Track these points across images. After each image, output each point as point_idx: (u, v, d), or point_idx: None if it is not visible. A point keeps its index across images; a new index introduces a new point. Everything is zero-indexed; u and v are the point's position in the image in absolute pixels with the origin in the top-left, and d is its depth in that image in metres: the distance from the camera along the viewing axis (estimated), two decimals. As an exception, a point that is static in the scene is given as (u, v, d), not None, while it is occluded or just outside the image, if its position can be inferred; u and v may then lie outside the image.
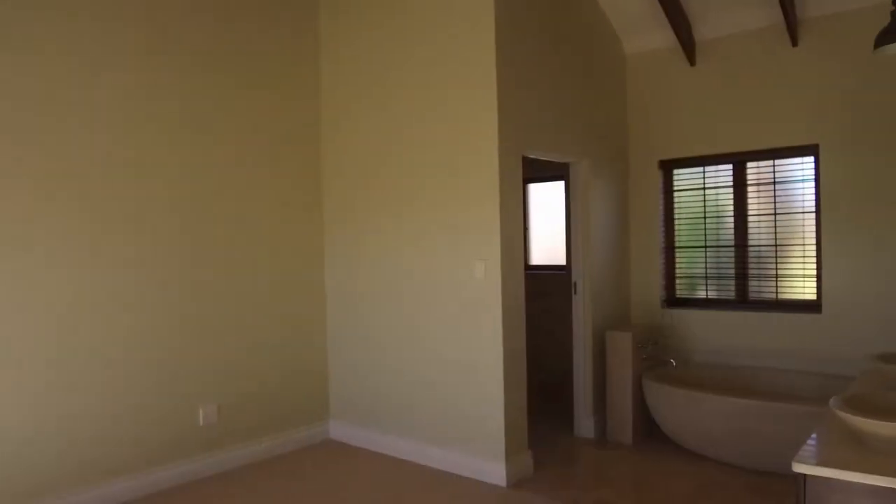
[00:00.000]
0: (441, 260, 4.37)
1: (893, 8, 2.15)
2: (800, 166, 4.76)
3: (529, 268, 6.50)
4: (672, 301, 5.38)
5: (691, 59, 5.08)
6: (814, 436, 2.21)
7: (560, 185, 6.28)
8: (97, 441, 3.83)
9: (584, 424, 5.00)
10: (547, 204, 6.58)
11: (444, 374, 4.37)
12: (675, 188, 5.38)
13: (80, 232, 3.78)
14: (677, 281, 5.41)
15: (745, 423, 4.10)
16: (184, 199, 4.25)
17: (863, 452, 1.99)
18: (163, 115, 4.14)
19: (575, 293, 5.03)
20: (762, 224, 4.95)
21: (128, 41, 3.98)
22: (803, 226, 4.75)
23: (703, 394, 4.34)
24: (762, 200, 4.96)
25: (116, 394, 3.92)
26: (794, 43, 4.60)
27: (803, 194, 4.75)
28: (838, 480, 1.89)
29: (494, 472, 4.08)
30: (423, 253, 4.48)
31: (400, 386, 4.65)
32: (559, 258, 6.35)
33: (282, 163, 4.84)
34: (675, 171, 5.37)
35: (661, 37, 5.16)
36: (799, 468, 1.95)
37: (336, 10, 4.98)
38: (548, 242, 6.61)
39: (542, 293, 6.17)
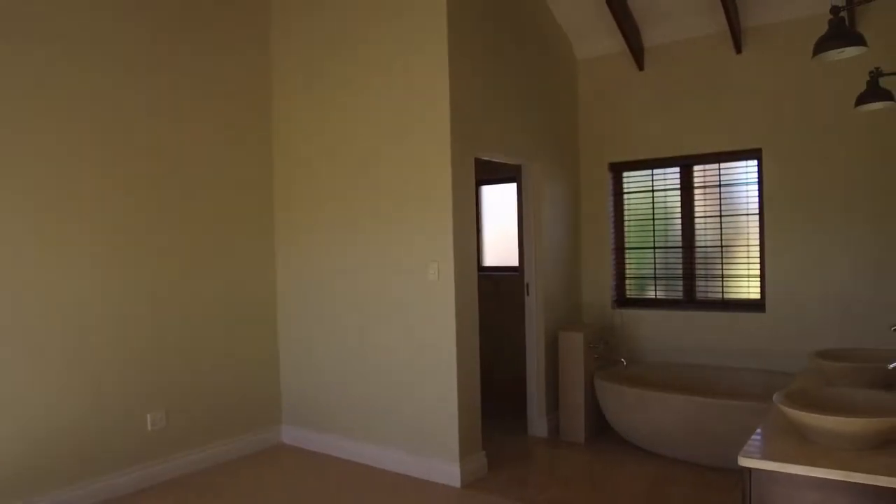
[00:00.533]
0: (395, 261, 4.35)
1: (832, 17, 2.24)
2: (744, 170, 4.90)
3: (483, 269, 6.53)
4: (622, 301, 5.48)
5: (640, 65, 5.18)
6: (759, 431, 2.27)
7: (512, 187, 6.32)
8: (41, 450, 3.69)
9: (538, 424, 5.04)
10: (500, 206, 6.62)
11: (397, 375, 4.35)
12: (625, 190, 5.48)
13: (22, 241, 3.65)
14: (627, 281, 5.51)
15: (693, 419, 4.20)
16: (128, 204, 4.13)
17: (804, 445, 2.05)
18: (106, 123, 4.01)
19: (527, 294, 5.07)
20: (708, 226, 5.08)
21: (79, 41, 3.86)
22: (747, 227, 4.90)
23: (653, 392, 4.43)
24: (708, 203, 5.09)
25: (61, 401, 3.79)
26: (738, 50, 4.74)
27: (747, 197, 4.89)
28: (782, 473, 1.95)
29: (448, 473, 4.08)
30: (376, 255, 4.46)
31: (353, 389, 4.61)
32: (512, 259, 6.39)
33: (232, 166, 4.75)
34: (625, 174, 5.47)
35: (611, 42, 5.25)
36: (745, 462, 2.00)
37: (287, 12, 4.91)
38: (501, 244, 6.64)
39: (496, 294, 6.21)
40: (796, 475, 1.91)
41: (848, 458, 1.92)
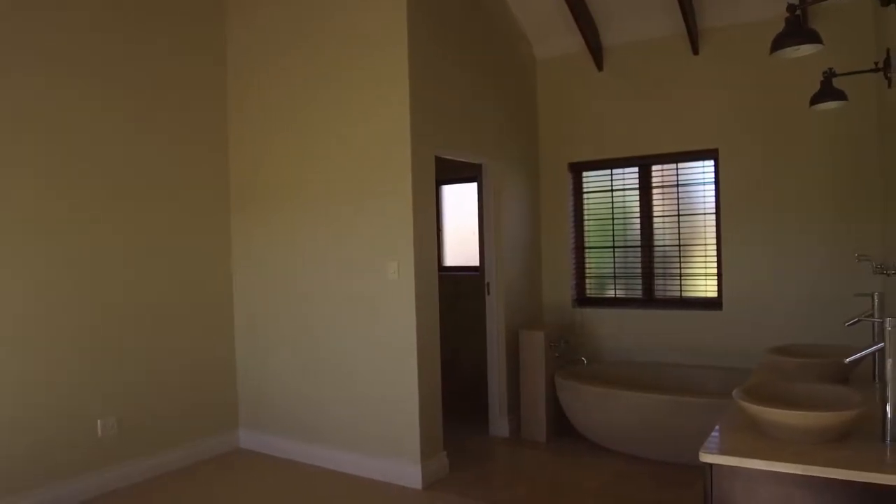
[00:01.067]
0: (354, 260, 4.28)
1: (788, 15, 2.26)
2: (701, 170, 4.96)
3: (444, 269, 6.49)
4: (582, 300, 5.49)
5: (599, 65, 5.21)
6: (718, 426, 2.27)
7: (473, 186, 6.30)
8: (-17, 459, 3.52)
9: (499, 424, 5.02)
10: (461, 205, 6.59)
11: (356, 377, 4.28)
12: (585, 190, 5.51)
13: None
14: (587, 280, 5.53)
15: (653, 417, 4.23)
16: (80, 207, 3.98)
17: (764, 440, 2.06)
18: (52, 124, 3.85)
19: (488, 294, 5.05)
20: (666, 225, 5.13)
21: (35, 49, 3.72)
22: (704, 227, 4.96)
23: (612, 390, 4.44)
24: (666, 202, 5.14)
25: (8, 407, 3.62)
26: (696, 51, 4.80)
27: (704, 197, 4.96)
28: (742, 468, 1.95)
29: (410, 474, 4.02)
30: (335, 254, 4.38)
31: (311, 391, 4.52)
32: (473, 259, 6.37)
33: (186, 165, 4.61)
34: (585, 174, 5.49)
35: (570, 42, 5.27)
36: (705, 458, 2.00)
37: (245, 7, 4.79)
38: (462, 244, 6.62)
39: (457, 294, 6.17)
40: (756, 470, 1.92)
41: (807, 451, 1.93)
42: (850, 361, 2.18)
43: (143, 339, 4.31)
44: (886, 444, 2.05)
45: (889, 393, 2.09)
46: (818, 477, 1.83)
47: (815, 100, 2.89)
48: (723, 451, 2.01)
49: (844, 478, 1.81)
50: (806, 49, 2.28)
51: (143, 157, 4.33)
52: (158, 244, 4.42)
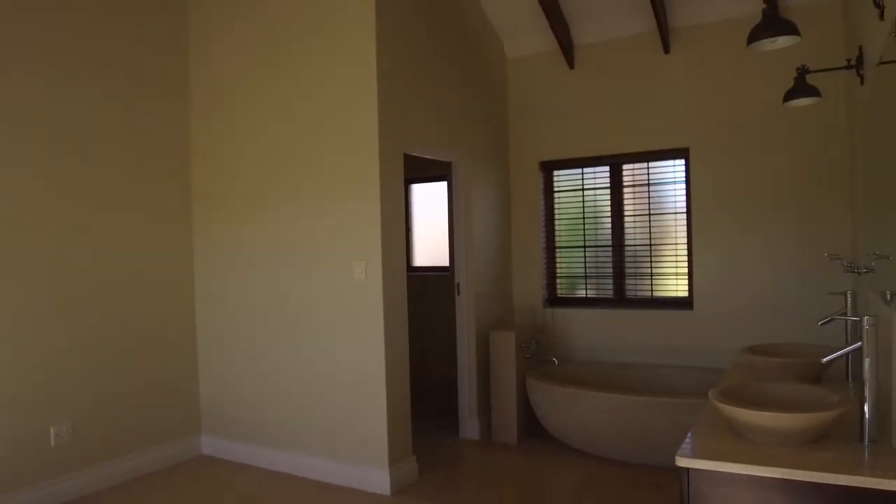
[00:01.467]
0: (320, 260, 4.16)
1: (765, 6, 2.21)
2: (672, 169, 4.94)
3: (413, 269, 6.39)
4: (553, 300, 5.44)
5: (570, 63, 5.16)
6: (693, 428, 2.22)
7: (443, 185, 6.22)
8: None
9: (470, 426, 4.93)
10: (430, 204, 6.49)
11: (323, 380, 4.16)
12: (556, 189, 5.45)
13: None
14: (558, 280, 5.47)
15: (624, 418, 4.18)
16: (34, 207, 3.79)
17: (740, 443, 2.01)
18: (14, 118, 3.67)
19: (458, 294, 4.96)
20: (637, 224, 5.09)
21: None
22: (675, 226, 4.94)
23: (584, 391, 4.39)
24: (637, 201, 5.11)
25: (-58, 416, 3.42)
26: (667, 50, 4.77)
27: (675, 196, 4.93)
28: (720, 472, 1.89)
29: (378, 480, 3.91)
30: (301, 253, 4.25)
31: (276, 395, 4.38)
32: (443, 259, 6.28)
33: (147, 165, 4.44)
34: (556, 173, 5.44)
35: (542, 41, 5.21)
36: (682, 462, 1.94)
37: (204, 4, 4.65)
38: (431, 243, 6.52)
39: (427, 295, 6.08)
40: (735, 474, 1.86)
41: (784, 454, 1.89)
42: (827, 361, 2.14)
43: (99, 343, 4.13)
44: (865, 445, 2.02)
45: (867, 392, 2.05)
46: (797, 480, 1.78)
47: (789, 96, 2.86)
48: (700, 455, 1.95)
49: (827, 482, 1.77)
50: (783, 41, 2.24)
51: (97, 158, 4.14)
52: (115, 247, 4.24)
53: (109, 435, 4.16)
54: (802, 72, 2.81)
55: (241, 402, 4.56)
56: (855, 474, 1.76)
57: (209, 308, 4.71)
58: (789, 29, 2.17)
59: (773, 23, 2.18)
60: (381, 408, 3.91)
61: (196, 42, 4.68)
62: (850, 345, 2.81)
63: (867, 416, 2.03)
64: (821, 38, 4.09)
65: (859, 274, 3.37)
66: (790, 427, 1.95)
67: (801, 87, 2.78)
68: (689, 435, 2.16)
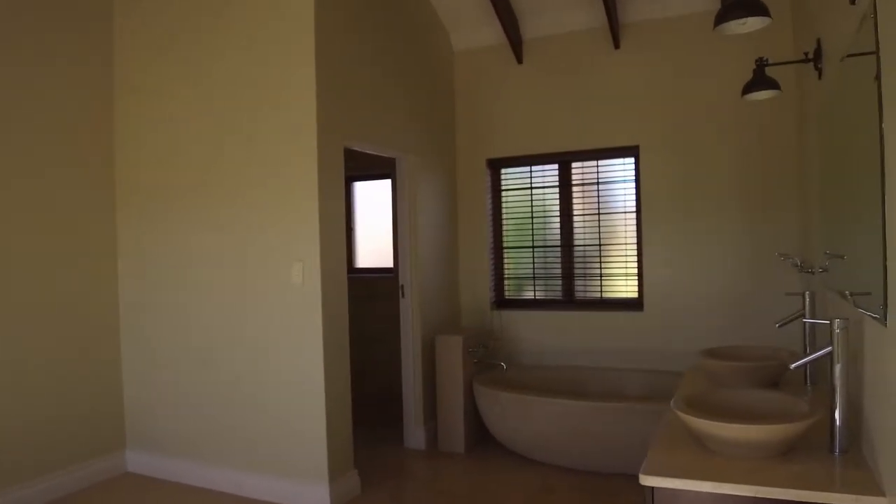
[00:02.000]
0: (253, 262, 3.88)
1: (726, -11, 2.08)
2: (622, 167, 4.84)
3: (355, 270, 6.13)
4: (501, 302, 5.27)
5: (519, 58, 5.01)
6: (654, 440, 2.07)
7: (387, 183, 5.99)
8: None
9: (415, 435, 4.71)
10: (374, 203, 6.25)
11: (257, 390, 3.87)
12: (503, 187, 5.29)
13: None
14: (506, 282, 5.31)
15: (576, 424, 4.03)
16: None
17: (707, 456, 1.88)
18: None
19: (403, 296, 4.74)
20: (587, 224, 4.97)
21: None
22: (625, 225, 4.84)
23: (533, 397, 4.23)
24: (587, 200, 4.99)
25: None
26: (617, 45, 4.67)
27: (625, 195, 4.83)
28: (687, 491, 1.75)
29: (317, 496, 3.65)
30: (234, 255, 3.95)
31: (207, 406, 4.07)
32: (386, 261, 6.05)
33: (64, 161, 4.05)
34: (503, 170, 5.27)
35: (489, 33, 5.04)
36: (647, 480, 1.79)
37: (129, -24, 4.29)
38: (374, 244, 6.28)
39: (369, 297, 5.83)
40: (705, 493, 1.72)
41: (754, 469, 1.76)
42: (796, 367, 2.02)
43: (11, 350, 3.73)
44: (836, 456, 1.90)
45: (837, 400, 1.94)
46: (771, 499, 1.65)
47: (748, 89, 2.75)
48: (665, 472, 1.80)
49: (802, 499, 1.63)
50: (753, 23, 2.10)
51: (10, 149, 3.75)
52: (30, 246, 3.85)
53: (21, 453, 3.75)
54: (761, 64, 2.71)
55: (169, 415, 4.23)
56: (831, 490, 1.65)
57: (134, 314, 4.35)
58: (760, 10, 2.03)
59: (742, 3, 2.03)
60: (320, 418, 3.65)
61: (123, 31, 4.32)
62: (815, 348, 2.74)
63: (838, 424, 1.91)
64: (768, 32, 4.04)
65: (813, 273, 3.31)
66: (761, 439, 1.83)
67: (760, 79, 2.68)
68: (650, 448, 2.01)
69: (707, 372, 2.85)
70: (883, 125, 1.55)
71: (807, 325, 2.77)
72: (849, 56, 1.97)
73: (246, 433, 3.92)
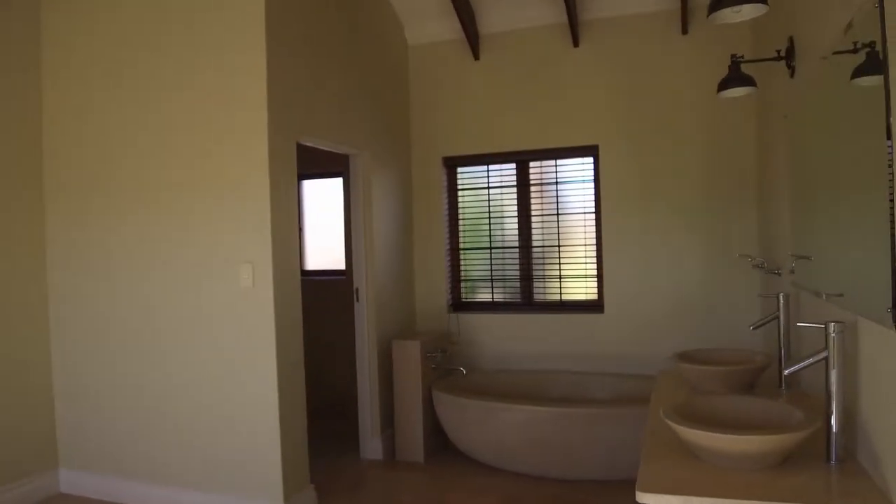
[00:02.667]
0: (201, 265, 3.61)
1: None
2: (581, 166, 4.76)
3: (305, 273, 5.88)
4: (458, 305, 5.12)
5: (476, 53, 4.88)
6: (644, 452, 1.97)
7: (338, 182, 5.76)
8: None
9: (371, 445, 4.51)
10: (324, 202, 6.01)
11: (204, 404, 3.61)
12: (460, 187, 5.15)
13: None
14: (463, 284, 5.17)
15: (542, 430, 3.92)
16: None
17: (699, 468, 1.79)
18: None
19: (357, 300, 4.55)
20: (546, 224, 4.88)
21: None
22: (584, 226, 4.77)
23: (495, 403, 4.10)
24: (545, 201, 4.90)
25: None
26: (576, 43, 4.59)
27: (584, 195, 4.76)
28: (687, 507, 1.65)
29: (270, 515, 3.43)
30: (178, 258, 3.68)
31: (149, 421, 3.77)
32: (338, 262, 5.82)
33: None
34: (460, 170, 5.14)
35: (445, 27, 4.89)
36: (645, 498, 1.68)
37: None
38: (325, 245, 6.04)
39: (321, 301, 5.59)
40: (703, 508, 1.62)
41: (753, 482, 1.68)
42: (790, 373, 1.94)
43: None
44: (832, 465, 1.83)
45: (833, 407, 1.86)
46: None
47: (723, 86, 2.69)
48: (663, 489, 1.69)
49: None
50: (748, 11, 2.02)
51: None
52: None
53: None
54: (736, 61, 2.65)
55: (106, 430, 3.91)
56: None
57: (67, 321, 4.01)
58: (756, -3, 1.95)
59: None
60: (273, 432, 3.42)
61: (52, 20, 3.98)
62: (790, 350, 2.71)
63: (834, 431, 1.84)
64: (729, 30, 4.04)
65: (779, 275, 3.29)
66: (762, 450, 1.74)
67: (735, 76, 2.63)
68: (642, 461, 1.90)
69: (681, 376, 2.78)
70: (891, 119, 1.47)
71: (781, 327, 2.72)
72: (836, 53, 1.91)
73: (192, 449, 3.65)
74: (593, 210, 4.71)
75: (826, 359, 1.86)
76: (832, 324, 1.85)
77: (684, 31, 4.33)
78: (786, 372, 1.92)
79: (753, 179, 4.21)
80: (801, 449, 1.84)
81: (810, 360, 1.89)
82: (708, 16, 2.04)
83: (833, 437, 1.84)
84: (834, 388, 1.85)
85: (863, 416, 1.87)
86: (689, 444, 1.87)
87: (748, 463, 1.77)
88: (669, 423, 1.86)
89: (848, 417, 1.90)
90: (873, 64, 1.54)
